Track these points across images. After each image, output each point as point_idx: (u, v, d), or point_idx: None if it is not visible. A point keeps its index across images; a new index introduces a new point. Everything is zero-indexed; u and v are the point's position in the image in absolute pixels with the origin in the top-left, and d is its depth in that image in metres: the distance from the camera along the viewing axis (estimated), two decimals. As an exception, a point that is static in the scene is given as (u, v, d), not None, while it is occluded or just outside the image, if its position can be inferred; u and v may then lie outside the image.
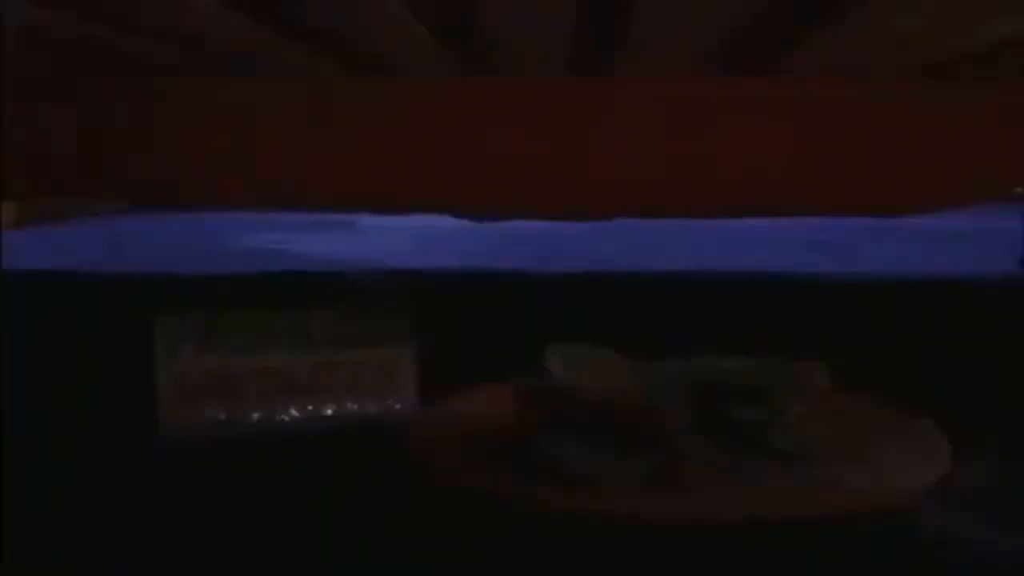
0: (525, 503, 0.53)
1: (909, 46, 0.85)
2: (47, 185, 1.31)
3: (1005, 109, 1.23)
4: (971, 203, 1.43)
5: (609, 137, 1.67)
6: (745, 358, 0.63)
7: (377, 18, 0.77)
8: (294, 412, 0.71)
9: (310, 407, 0.71)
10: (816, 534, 0.53)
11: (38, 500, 0.58)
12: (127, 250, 1.53)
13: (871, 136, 1.32)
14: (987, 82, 1.09)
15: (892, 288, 1.06)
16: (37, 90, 1.17)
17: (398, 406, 0.71)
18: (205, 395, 0.70)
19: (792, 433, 0.60)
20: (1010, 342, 0.86)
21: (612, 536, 0.52)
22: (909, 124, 1.34)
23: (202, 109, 1.21)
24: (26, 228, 1.52)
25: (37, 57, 1.02)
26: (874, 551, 0.52)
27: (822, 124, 1.51)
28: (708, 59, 1.01)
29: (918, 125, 1.35)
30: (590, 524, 0.52)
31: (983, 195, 1.37)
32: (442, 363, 0.76)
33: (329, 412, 0.71)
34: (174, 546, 0.52)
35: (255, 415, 0.70)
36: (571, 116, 1.61)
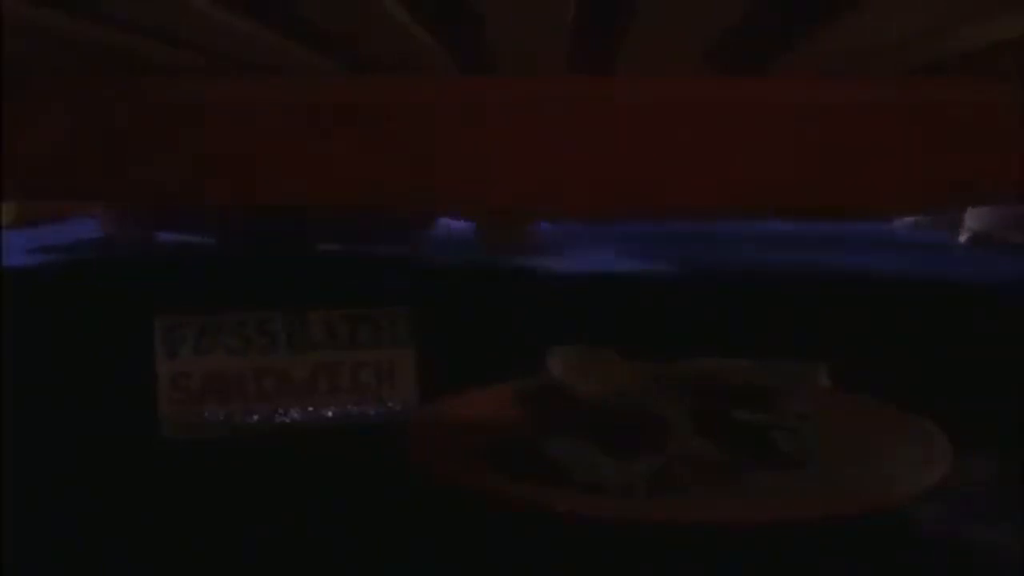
0: (526, 504, 0.53)
1: (908, 47, 0.85)
2: (47, 185, 1.30)
3: (1003, 110, 1.24)
4: (969, 204, 1.44)
5: (609, 137, 1.66)
6: (746, 359, 0.63)
7: (376, 19, 0.77)
8: (294, 413, 0.71)
9: (310, 408, 0.71)
10: (817, 536, 0.53)
11: (37, 501, 0.58)
12: (127, 250, 1.53)
13: (869, 137, 1.32)
14: (986, 83, 1.09)
15: (892, 289, 1.06)
16: (37, 90, 1.17)
17: (398, 407, 0.71)
18: (205, 396, 0.70)
19: (793, 435, 0.60)
20: (1010, 344, 0.86)
21: (612, 537, 0.52)
22: (908, 124, 1.35)
23: (202, 109, 1.21)
24: (26, 228, 1.52)
25: (37, 57, 1.02)
26: (875, 553, 0.52)
27: (821, 125, 1.51)
28: (707, 59, 1.01)
29: (917, 125, 1.35)
30: (590, 525, 0.52)
31: (981, 197, 1.37)
32: (442, 364, 0.76)
33: (329, 413, 0.71)
34: (173, 547, 0.52)
35: (255, 416, 0.70)
36: (570, 116, 1.61)
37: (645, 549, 0.52)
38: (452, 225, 1.64)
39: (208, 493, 0.59)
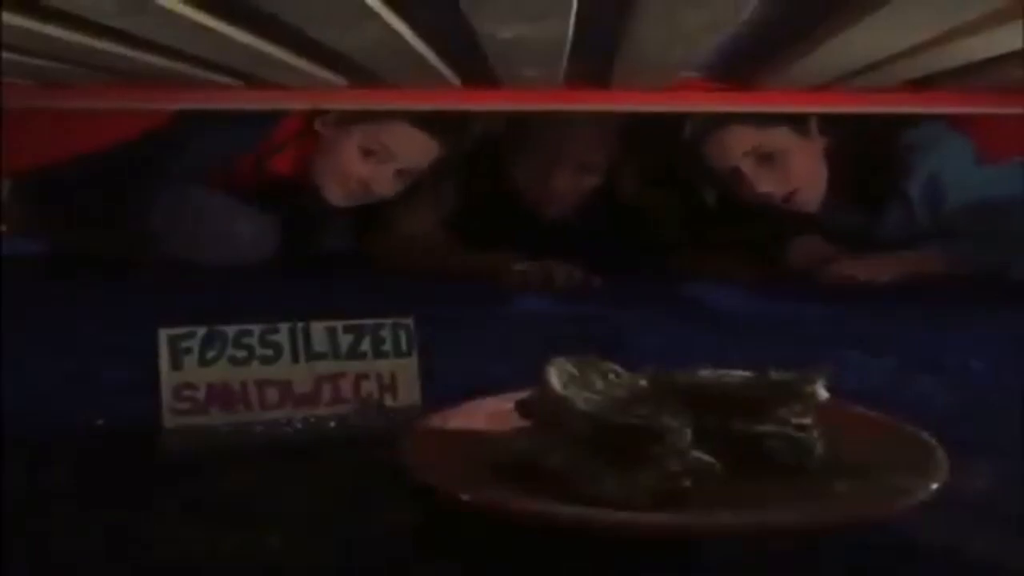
0: (525, 516, 0.53)
1: (897, 60, 0.86)
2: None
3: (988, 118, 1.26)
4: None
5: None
6: (745, 370, 0.64)
7: (376, 32, 0.77)
8: (296, 424, 0.71)
9: (312, 419, 0.72)
10: (817, 545, 0.53)
11: (38, 510, 0.58)
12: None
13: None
14: (971, 93, 1.10)
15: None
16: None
17: (399, 418, 0.71)
18: (208, 406, 0.70)
19: (791, 445, 0.61)
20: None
21: (612, 549, 0.52)
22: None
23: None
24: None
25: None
26: (874, 562, 0.52)
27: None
28: (704, 69, 1.02)
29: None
30: (590, 537, 0.53)
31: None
32: (444, 376, 0.76)
33: (331, 424, 0.71)
34: (176, 557, 0.53)
35: (257, 427, 0.71)
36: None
37: (645, 561, 0.52)
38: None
39: (210, 504, 0.59)
